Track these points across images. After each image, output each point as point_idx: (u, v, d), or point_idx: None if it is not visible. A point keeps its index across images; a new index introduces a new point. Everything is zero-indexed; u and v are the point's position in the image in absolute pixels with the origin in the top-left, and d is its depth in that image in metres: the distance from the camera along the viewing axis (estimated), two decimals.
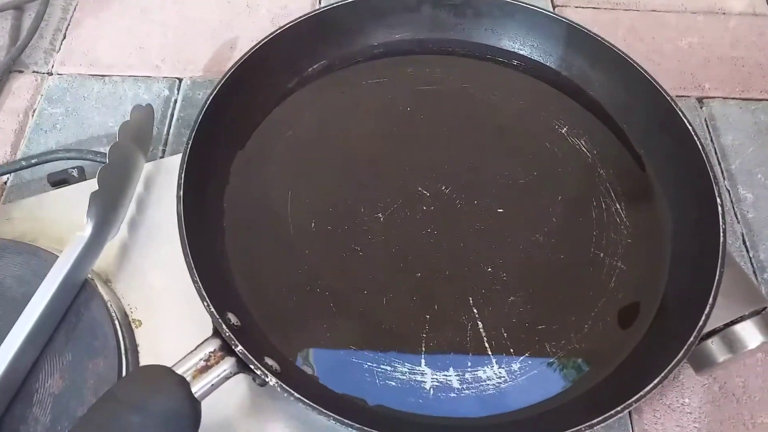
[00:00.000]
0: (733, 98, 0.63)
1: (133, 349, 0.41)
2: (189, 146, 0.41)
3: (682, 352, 0.36)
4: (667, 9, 0.70)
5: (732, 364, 0.48)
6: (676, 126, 0.45)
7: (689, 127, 0.45)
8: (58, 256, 0.40)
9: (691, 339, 0.37)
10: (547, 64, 0.53)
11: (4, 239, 0.44)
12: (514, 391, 0.39)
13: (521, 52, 0.53)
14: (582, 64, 0.51)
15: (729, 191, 0.56)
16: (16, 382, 0.38)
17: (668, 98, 0.46)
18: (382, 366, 0.39)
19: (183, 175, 0.40)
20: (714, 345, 0.41)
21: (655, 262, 0.44)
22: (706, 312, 0.38)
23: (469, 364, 0.40)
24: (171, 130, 0.60)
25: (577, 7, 0.70)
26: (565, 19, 0.51)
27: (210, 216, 0.43)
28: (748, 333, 0.40)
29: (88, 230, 0.41)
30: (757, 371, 0.47)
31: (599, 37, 0.49)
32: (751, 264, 0.52)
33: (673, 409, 0.48)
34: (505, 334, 0.41)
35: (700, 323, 0.37)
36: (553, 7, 0.69)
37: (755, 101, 0.62)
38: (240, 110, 0.47)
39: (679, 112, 0.45)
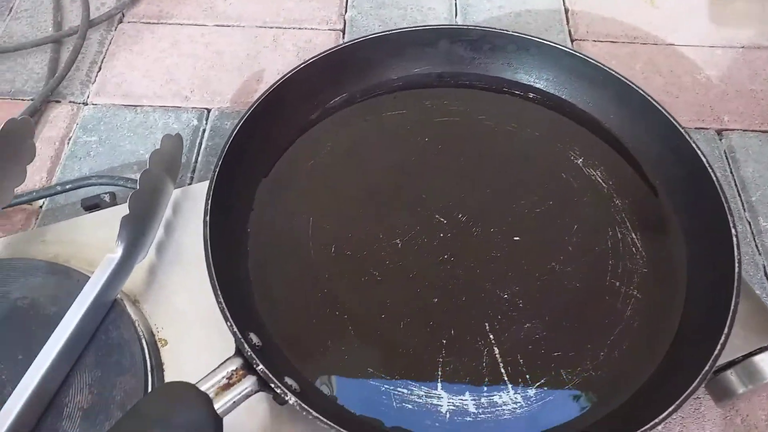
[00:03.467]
0: (752, 131, 0.63)
1: (159, 367, 0.42)
2: (216, 174, 0.43)
3: (697, 381, 0.37)
4: (685, 43, 0.71)
5: (754, 396, 0.47)
6: (690, 157, 0.46)
7: (703, 159, 0.45)
8: (89, 277, 0.42)
9: (707, 367, 0.37)
10: (563, 96, 0.54)
11: (39, 260, 0.46)
12: (530, 416, 0.40)
13: (537, 85, 0.54)
14: (597, 97, 0.53)
15: (750, 223, 0.56)
16: (48, 396, 0.39)
17: (681, 130, 0.47)
18: (398, 389, 0.40)
19: (210, 202, 0.42)
20: (733, 376, 0.41)
21: (671, 291, 0.44)
22: (721, 341, 0.38)
23: (485, 389, 0.40)
24: (199, 158, 0.62)
25: (595, 41, 0.71)
26: (579, 53, 0.52)
27: (234, 240, 0.45)
28: None
29: (118, 252, 0.42)
30: None
31: (612, 70, 0.50)
32: None
33: None
34: (521, 361, 0.41)
35: (716, 352, 0.38)
36: (572, 41, 0.71)
37: None
38: (264, 140, 0.49)
39: (692, 144, 0.46)
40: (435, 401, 0.40)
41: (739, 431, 0.48)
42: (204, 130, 0.64)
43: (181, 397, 0.34)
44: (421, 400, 0.40)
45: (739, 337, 0.40)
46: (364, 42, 0.52)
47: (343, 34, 0.71)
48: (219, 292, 0.37)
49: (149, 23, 0.73)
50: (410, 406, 0.40)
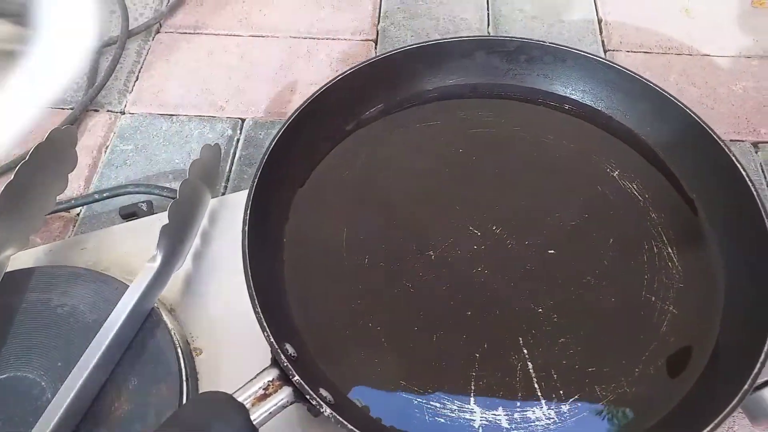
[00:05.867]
0: None
1: (194, 377, 0.43)
2: (254, 184, 0.44)
3: (735, 401, 0.36)
4: (721, 54, 0.70)
5: None
6: (729, 171, 0.45)
7: (743, 173, 0.44)
8: (128, 285, 0.43)
9: (745, 387, 0.36)
10: (599, 108, 0.53)
11: (79, 267, 0.47)
12: None
13: (573, 97, 0.54)
14: (634, 109, 0.52)
15: None
16: (86, 404, 0.40)
17: (720, 142, 0.46)
18: (431, 402, 0.40)
19: (248, 212, 0.42)
20: None
21: (708, 307, 0.44)
22: (761, 359, 0.37)
23: (519, 404, 0.40)
24: (233, 168, 0.63)
25: (629, 51, 0.71)
26: (616, 64, 0.52)
27: (271, 250, 0.45)
28: None
29: (157, 261, 0.43)
30: None
31: (651, 82, 0.50)
32: None
33: None
34: (555, 376, 0.41)
35: (756, 369, 0.37)
36: (605, 51, 0.71)
37: None
38: (301, 150, 0.49)
39: (732, 157, 0.45)
40: (468, 416, 0.40)
41: None
42: (238, 140, 0.65)
43: (219, 408, 0.34)
44: (453, 415, 0.40)
45: None
46: (399, 53, 0.52)
47: (376, 44, 0.72)
48: (256, 302, 0.38)
49: (186, 33, 0.74)
50: (443, 420, 0.40)
